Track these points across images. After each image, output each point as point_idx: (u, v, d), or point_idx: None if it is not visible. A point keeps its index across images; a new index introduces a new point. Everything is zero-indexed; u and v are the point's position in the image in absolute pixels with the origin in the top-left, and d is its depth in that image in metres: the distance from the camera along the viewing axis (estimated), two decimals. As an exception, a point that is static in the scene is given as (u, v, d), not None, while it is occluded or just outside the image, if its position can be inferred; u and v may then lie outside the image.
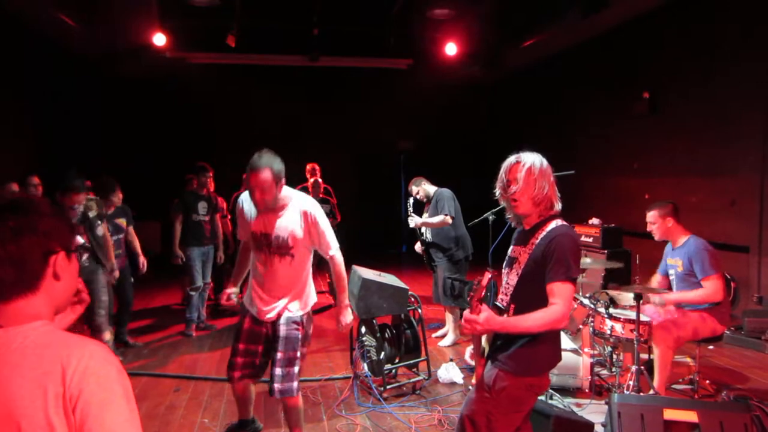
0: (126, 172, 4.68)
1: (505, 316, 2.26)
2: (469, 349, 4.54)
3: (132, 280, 5.58)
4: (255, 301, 3.14)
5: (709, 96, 6.54)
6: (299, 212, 3.01)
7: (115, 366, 1.20)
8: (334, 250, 3.12)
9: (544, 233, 2.23)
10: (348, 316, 3.23)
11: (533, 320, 2.13)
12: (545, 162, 2.31)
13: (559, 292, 2.14)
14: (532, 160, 2.26)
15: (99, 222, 4.77)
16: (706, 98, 6.59)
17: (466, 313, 2.09)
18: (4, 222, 1.19)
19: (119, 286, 5.28)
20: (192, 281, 5.91)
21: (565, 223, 2.28)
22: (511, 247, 2.42)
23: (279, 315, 3.09)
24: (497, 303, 2.38)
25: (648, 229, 4.12)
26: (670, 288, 4.18)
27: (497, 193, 2.39)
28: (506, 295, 2.33)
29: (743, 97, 6.09)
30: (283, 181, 2.96)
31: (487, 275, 2.07)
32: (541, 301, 2.17)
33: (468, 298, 2.08)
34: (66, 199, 4.45)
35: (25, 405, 1.11)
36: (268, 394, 3.06)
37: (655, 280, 4.32)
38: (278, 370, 3.02)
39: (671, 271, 4.13)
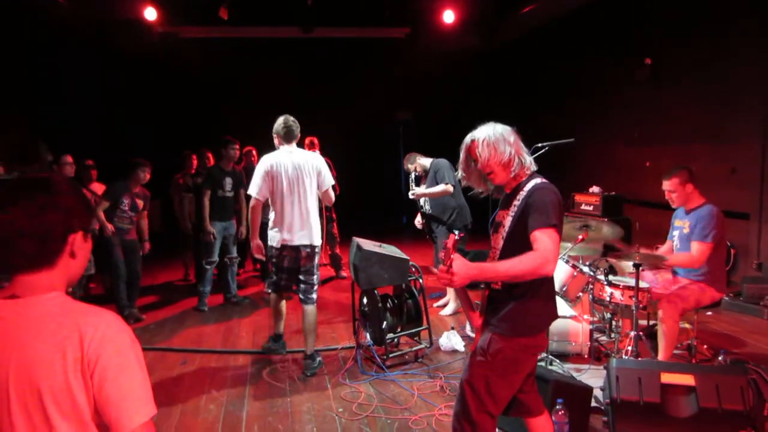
0: (124, 149, 4.66)
1: (493, 282, 2.28)
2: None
3: (141, 254, 5.63)
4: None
5: (711, 62, 6.46)
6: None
7: (128, 334, 1.27)
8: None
9: (524, 192, 2.25)
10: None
11: (512, 263, 2.10)
12: (499, 127, 2.33)
13: (539, 238, 2.12)
14: (485, 132, 2.32)
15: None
16: (708, 65, 6.52)
17: (441, 267, 2.08)
18: (33, 198, 1.23)
19: (128, 261, 5.36)
20: (209, 254, 5.87)
21: (545, 180, 2.29)
22: (496, 212, 2.44)
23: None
24: None
25: (667, 197, 4.02)
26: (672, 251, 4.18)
27: (459, 175, 2.46)
28: (493, 259, 2.35)
29: (746, 64, 6.03)
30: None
31: (453, 237, 2.08)
32: None
33: (442, 263, 2.08)
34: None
35: (45, 369, 1.17)
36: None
37: (662, 249, 4.27)
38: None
39: (675, 233, 4.08)
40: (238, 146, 5.96)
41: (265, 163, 4.12)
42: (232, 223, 6.06)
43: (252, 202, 4.16)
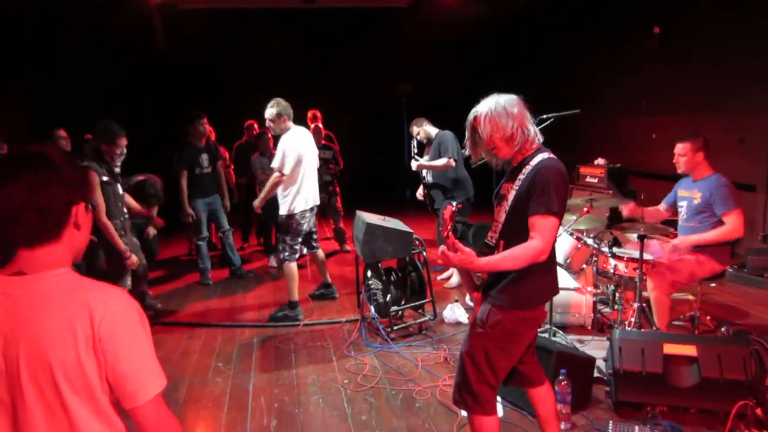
0: (124, 125, 4.63)
1: (495, 252, 2.27)
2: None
3: (156, 232, 5.53)
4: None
5: (720, 32, 6.33)
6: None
7: (136, 309, 1.28)
8: None
9: (530, 167, 2.22)
10: (257, 203, 4.83)
11: (511, 258, 2.13)
12: (502, 99, 2.28)
13: (538, 226, 2.13)
14: (487, 106, 2.27)
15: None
16: (717, 34, 6.39)
17: (443, 247, 2.10)
18: (34, 172, 1.22)
19: (143, 238, 5.33)
20: (199, 232, 5.92)
21: (552, 155, 2.25)
22: (500, 185, 2.42)
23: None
24: (487, 241, 2.39)
25: (675, 160, 3.98)
26: (675, 215, 4.14)
27: (466, 152, 2.44)
28: (495, 232, 2.34)
29: (755, 34, 5.90)
30: (284, 117, 4.69)
31: (450, 208, 2.07)
32: (529, 236, 2.16)
33: (442, 235, 2.08)
34: (113, 146, 4.20)
35: (56, 345, 1.17)
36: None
37: (655, 208, 4.24)
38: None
39: (682, 203, 4.03)
40: (206, 120, 5.85)
41: (296, 145, 4.64)
42: (216, 197, 6.00)
43: (279, 178, 4.60)
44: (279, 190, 4.71)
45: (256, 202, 4.96)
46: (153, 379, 1.26)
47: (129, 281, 4.39)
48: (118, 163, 4.32)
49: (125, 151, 4.30)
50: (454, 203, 2.21)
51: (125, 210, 4.39)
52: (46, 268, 1.25)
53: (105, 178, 4.12)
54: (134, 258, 4.25)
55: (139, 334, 1.25)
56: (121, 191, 4.35)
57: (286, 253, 4.79)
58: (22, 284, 1.23)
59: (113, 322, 1.21)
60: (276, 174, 4.60)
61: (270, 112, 4.64)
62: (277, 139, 4.82)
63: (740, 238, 4.02)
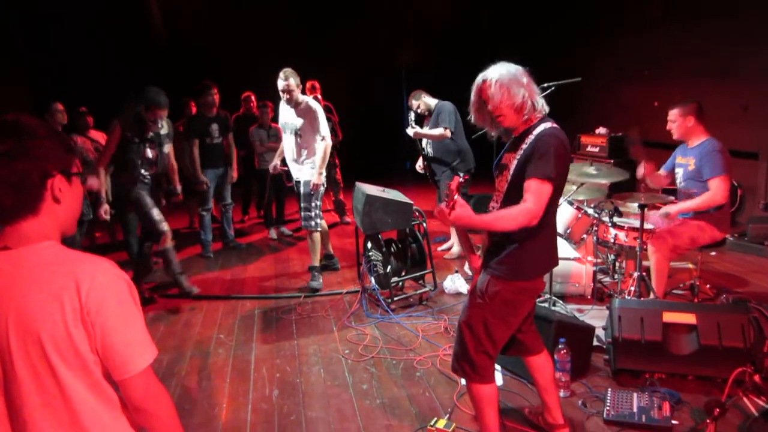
0: (121, 97, 4.58)
1: None
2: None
3: (164, 202, 5.38)
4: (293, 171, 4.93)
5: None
6: (308, 107, 4.70)
7: (125, 280, 1.26)
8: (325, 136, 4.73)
9: (532, 136, 2.19)
10: (319, 179, 4.74)
11: (504, 218, 2.11)
12: (512, 67, 2.23)
13: (533, 189, 2.10)
14: (498, 72, 2.21)
15: (168, 141, 4.93)
16: (720, 0, 6.27)
17: (441, 205, 2.08)
18: (3, 144, 1.17)
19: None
20: (205, 202, 5.88)
21: (555, 125, 2.22)
22: (502, 154, 2.39)
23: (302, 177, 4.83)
24: (489, 210, 2.37)
25: (668, 127, 4.00)
26: (672, 184, 4.14)
27: (472, 118, 2.38)
28: (497, 202, 2.32)
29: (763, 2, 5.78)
30: (300, 86, 4.70)
31: (457, 179, 2.04)
32: None
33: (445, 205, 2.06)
34: (148, 113, 4.37)
35: (44, 318, 1.16)
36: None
37: (656, 174, 4.22)
38: (303, 213, 4.86)
39: (679, 170, 4.03)
40: (216, 90, 5.76)
41: (322, 110, 4.80)
42: (224, 168, 5.97)
43: (327, 142, 4.73)
44: (306, 157, 4.82)
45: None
46: (142, 351, 1.24)
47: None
48: (156, 130, 4.49)
49: (162, 123, 4.49)
50: (461, 174, 2.18)
51: (145, 173, 4.50)
52: (31, 241, 1.22)
53: (128, 134, 4.33)
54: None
55: (128, 305, 1.23)
56: (150, 154, 4.48)
57: (318, 219, 4.88)
58: (8, 258, 1.21)
59: (101, 293, 1.18)
60: (329, 143, 4.75)
61: (295, 81, 4.63)
62: (276, 112, 4.80)
63: (741, 205, 4.01)
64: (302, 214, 4.89)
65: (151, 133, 4.46)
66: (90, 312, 1.17)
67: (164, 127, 4.68)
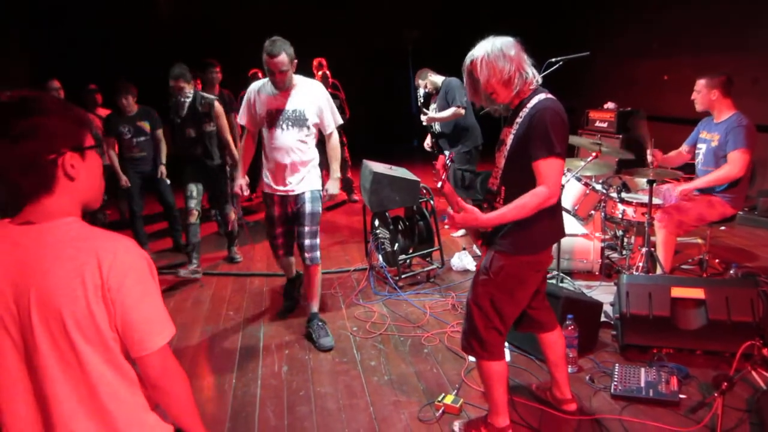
0: (133, 77, 4.57)
1: (498, 198, 2.26)
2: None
3: (168, 182, 5.40)
4: (278, 181, 3.56)
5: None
6: (310, 90, 3.48)
7: (145, 258, 1.27)
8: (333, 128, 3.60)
9: (527, 109, 2.17)
10: (334, 188, 3.67)
11: (518, 208, 2.10)
12: (498, 41, 2.20)
13: (543, 170, 2.09)
14: (483, 49, 2.20)
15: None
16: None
17: (449, 210, 2.08)
18: (7, 127, 1.16)
19: (157, 191, 5.29)
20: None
21: (549, 95, 2.19)
22: (502, 130, 2.38)
23: (302, 190, 3.55)
24: (489, 187, 2.36)
25: (692, 97, 3.91)
26: (692, 159, 4.06)
27: (469, 97, 2.39)
28: (496, 178, 2.31)
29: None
30: (296, 62, 3.37)
31: (442, 158, 2.04)
32: (529, 180, 2.12)
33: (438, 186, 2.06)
34: (172, 85, 4.61)
35: (66, 294, 1.17)
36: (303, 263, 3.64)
37: (677, 151, 4.17)
38: (307, 241, 3.55)
39: (701, 146, 3.95)
40: (219, 68, 5.66)
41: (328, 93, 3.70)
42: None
43: (335, 137, 3.68)
44: (309, 161, 3.90)
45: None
46: (161, 329, 1.26)
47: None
48: (182, 100, 4.63)
49: (181, 99, 4.62)
50: (447, 153, 2.18)
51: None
52: (53, 217, 1.23)
53: (171, 115, 4.71)
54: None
55: (147, 283, 1.25)
56: (191, 133, 4.74)
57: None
58: (31, 233, 1.21)
59: (122, 271, 1.20)
60: (336, 137, 3.77)
61: (289, 56, 3.30)
62: None
63: (753, 179, 3.95)
64: (306, 242, 3.53)
65: (183, 111, 4.65)
66: (111, 289, 1.19)
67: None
